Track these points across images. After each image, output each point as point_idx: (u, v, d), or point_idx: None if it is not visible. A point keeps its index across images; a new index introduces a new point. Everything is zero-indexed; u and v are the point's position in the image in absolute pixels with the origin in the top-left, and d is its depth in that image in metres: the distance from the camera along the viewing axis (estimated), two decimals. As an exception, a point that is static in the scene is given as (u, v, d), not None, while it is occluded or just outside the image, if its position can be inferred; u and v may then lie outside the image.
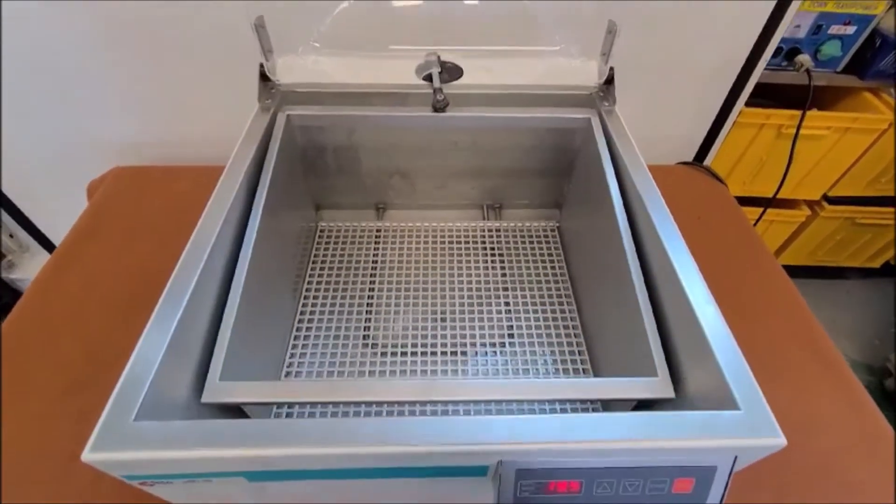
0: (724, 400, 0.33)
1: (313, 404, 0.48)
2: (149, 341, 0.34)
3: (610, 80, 0.59)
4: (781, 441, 0.31)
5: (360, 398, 0.37)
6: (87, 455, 0.29)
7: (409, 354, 0.57)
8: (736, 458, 0.32)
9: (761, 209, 1.13)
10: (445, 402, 0.45)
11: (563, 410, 0.48)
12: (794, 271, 1.43)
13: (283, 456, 0.29)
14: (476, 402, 0.46)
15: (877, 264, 1.43)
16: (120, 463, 0.29)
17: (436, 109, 0.58)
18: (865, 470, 0.51)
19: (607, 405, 0.50)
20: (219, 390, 0.37)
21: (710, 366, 0.34)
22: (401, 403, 0.44)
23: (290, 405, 0.49)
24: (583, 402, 0.48)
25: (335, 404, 0.46)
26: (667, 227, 0.45)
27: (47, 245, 1.09)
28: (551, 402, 0.48)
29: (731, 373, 0.33)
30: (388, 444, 0.29)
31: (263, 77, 0.57)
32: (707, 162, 0.96)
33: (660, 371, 0.39)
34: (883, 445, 0.53)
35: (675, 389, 0.38)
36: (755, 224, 1.17)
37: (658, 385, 0.38)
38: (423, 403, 0.45)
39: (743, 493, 0.45)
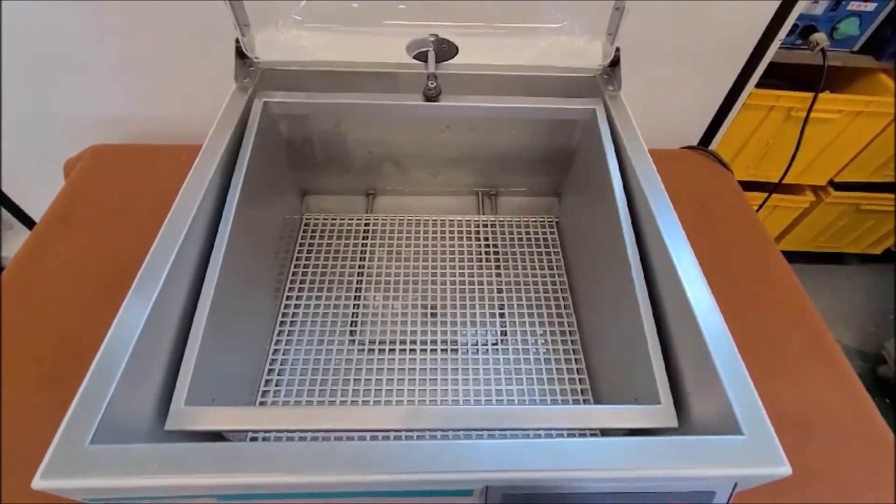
0: (727, 424, 0.31)
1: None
2: (108, 355, 0.32)
3: (616, 62, 0.55)
4: (786, 470, 0.29)
5: (340, 426, 0.35)
6: (38, 482, 0.26)
7: (396, 353, 0.55)
8: (736, 484, 0.30)
9: (765, 195, 1.09)
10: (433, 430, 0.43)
11: (560, 434, 0.46)
12: (795, 257, 1.41)
13: (253, 484, 0.27)
14: (465, 430, 0.43)
15: (878, 251, 1.41)
16: (74, 490, 0.27)
17: (427, 98, 0.53)
18: (862, 470, 0.50)
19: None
20: (184, 417, 0.35)
21: (716, 391, 0.32)
22: (385, 431, 0.41)
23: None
24: (581, 430, 0.46)
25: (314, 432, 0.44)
26: (672, 231, 0.42)
27: (29, 223, 1.05)
28: (547, 430, 0.45)
29: (736, 394, 0.31)
30: (365, 472, 0.27)
31: (240, 54, 0.53)
32: (713, 145, 0.92)
33: (663, 398, 0.36)
34: (880, 445, 0.52)
35: (678, 414, 0.36)
36: (758, 210, 1.14)
37: (661, 414, 0.36)
38: (410, 431, 0.43)
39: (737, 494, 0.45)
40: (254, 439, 0.47)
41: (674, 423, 0.36)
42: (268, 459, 0.28)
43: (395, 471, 0.27)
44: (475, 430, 0.43)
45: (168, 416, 0.35)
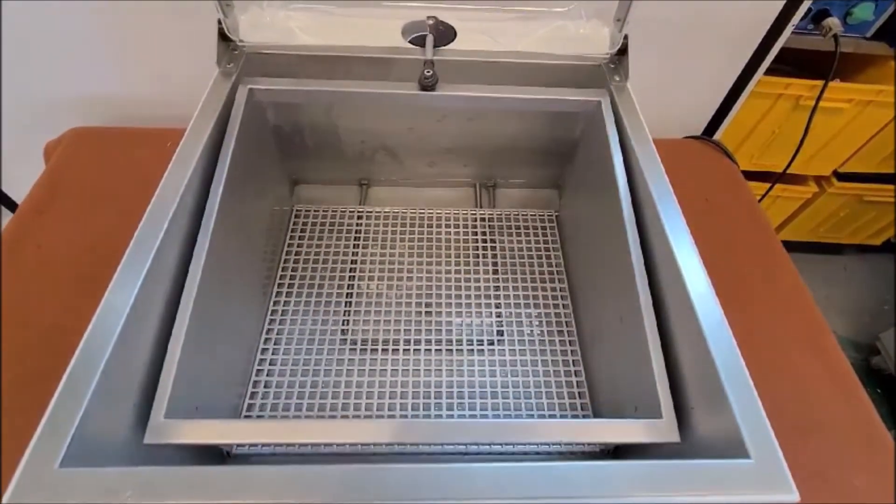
0: (733, 445, 0.30)
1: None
2: (81, 364, 0.30)
3: (623, 51, 0.52)
4: (794, 497, 0.27)
5: (326, 440, 0.33)
6: (5, 508, 0.25)
7: (389, 353, 0.54)
8: (739, 507, 0.29)
9: (768, 185, 1.07)
10: (426, 444, 0.42)
11: (557, 442, 0.45)
12: (795, 246, 1.40)
13: (233, 511, 0.26)
14: (460, 444, 0.42)
15: (878, 242, 1.40)
16: (44, 517, 0.25)
17: (424, 87, 0.50)
18: (861, 472, 0.50)
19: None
20: (164, 430, 0.33)
21: (722, 409, 0.31)
22: (376, 445, 0.40)
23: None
24: (578, 444, 0.45)
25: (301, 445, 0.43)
26: (676, 229, 0.41)
27: (10, 205, 1.02)
28: (544, 443, 0.44)
29: (744, 416, 0.30)
30: (351, 499, 0.26)
31: (223, 36, 0.49)
32: (718, 134, 0.90)
33: (665, 412, 0.35)
34: (879, 447, 0.52)
35: (680, 428, 0.35)
36: (761, 200, 1.12)
37: (662, 428, 0.34)
38: (402, 444, 0.41)
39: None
40: (241, 446, 0.46)
41: (675, 438, 0.34)
42: (249, 485, 0.26)
43: (385, 498, 0.26)
44: (469, 443, 0.42)
45: (147, 429, 0.33)
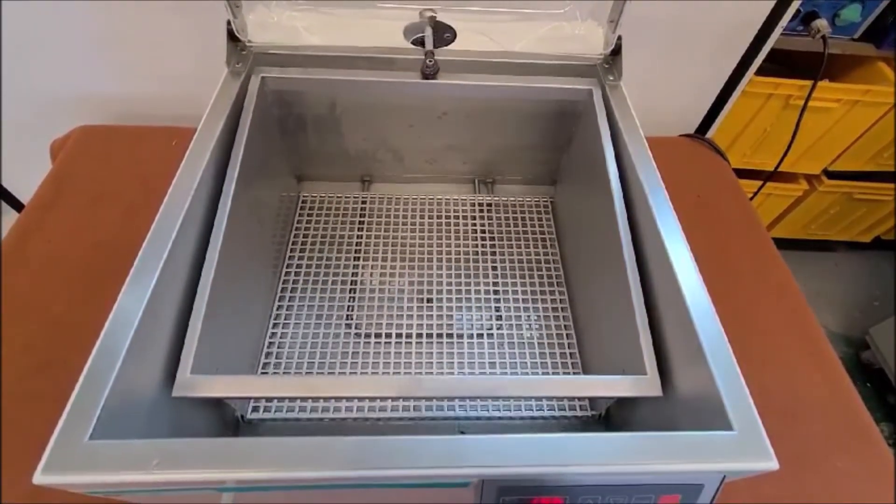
0: (716, 414, 0.32)
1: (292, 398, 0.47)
2: (110, 337, 0.32)
3: (617, 51, 0.54)
4: (774, 465, 0.30)
5: (339, 393, 0.36)
6: (39, 478, 0.27)
7: (392, 337, 0.56)
8: (724, 477, 0.31)
9: (760, 182, 1.09)
10: (429, 398, 0.44)
11: (550, 408, 0.48)
12: (786, 244, 1.43)
13: (252, 479, 0.27)
14: (460, 399, 0.45)
15: (867, 239, 1.43)
16: (75, 485, 0.27)
17: (425, 76, 0.53)
18: (844, 458, 0.52)
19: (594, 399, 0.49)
20: (190, 384, 0.36)
21: (708, 387, 0.33)
22: (382, 399, 0.42)
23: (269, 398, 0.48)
24: (570, 399, 0.48)
25: (315, 399, 0.45)
26: (668, 222, 0.42)
27: (16, 204, 1.03)
28: (537, 398, 0.47)
29: (728, 391, 0.32)
30: (361, 469, 0.28)
31: (232, 37, 0.51)
32: (710, 133, 0.92)
33: (649, 369, 0.38)
34: (863, 435, 0.54)
35: (664, 388, 0.37)
36: (752, 198, 1.14)
37: (646, 383, 0.37)
38: (407, 399, 0.44)
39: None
40: (255, 408, 0.49)
41: (658, 392, 0.37)
42: (267, 455, 0.28)
43: (392, 466, 0.28)
44: (469, 397, 0.45)
45: (174, 384, 0.36)
